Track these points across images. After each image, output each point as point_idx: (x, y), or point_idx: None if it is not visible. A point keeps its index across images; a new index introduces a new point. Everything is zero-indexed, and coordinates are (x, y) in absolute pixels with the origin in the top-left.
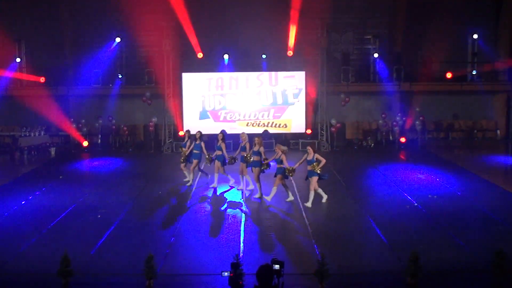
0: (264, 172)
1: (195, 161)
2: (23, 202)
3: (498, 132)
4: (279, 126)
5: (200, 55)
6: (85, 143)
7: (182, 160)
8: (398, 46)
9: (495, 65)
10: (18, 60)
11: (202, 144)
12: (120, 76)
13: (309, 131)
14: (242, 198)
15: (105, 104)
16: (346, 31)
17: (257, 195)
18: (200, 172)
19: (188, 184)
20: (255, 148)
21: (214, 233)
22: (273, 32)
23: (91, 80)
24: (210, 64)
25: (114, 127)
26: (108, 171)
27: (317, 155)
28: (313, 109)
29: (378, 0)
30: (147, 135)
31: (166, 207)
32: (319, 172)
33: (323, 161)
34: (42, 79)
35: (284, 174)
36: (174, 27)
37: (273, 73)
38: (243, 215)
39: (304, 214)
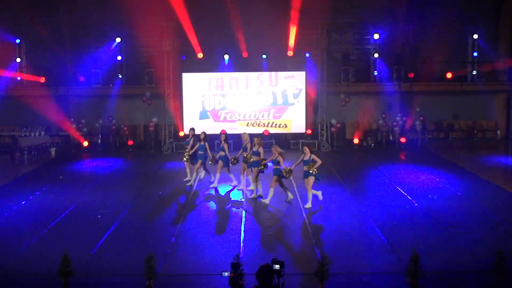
0: (263, 172)
1: (199, 162)
2: (23, 202)
3: (498, 132)
4: (279, 126)
5: (200, 55)
6: (85, 143)
7: (185, 159)
8: (398, 46)
9: (495, 65)
10: (18, 60)
11: (206, 144)
12: (120, 76)
13: (309, 131)
14: (243, 198)
15: (105, 104)
16: (346, 31)
17: (252, 195)
18: (204, 172)
19: (189, 184)
20: (255, 148)
21: (214, 233)
22: (273, 32)
23: (91, 80)
24: (210, 64)
25: (114, 127)
26: (108, 171)
27: (313, 156)
28: (313, 109)
29: (378, 0)
30: (147, 135)
31: (166, 207)
32: (314, 172)
33: (319, 162)
34: (42, 79)
35: (280, 175)
36: (174, 28)
37: (273, 73)
38: (243, 215)
39: (304, 214)
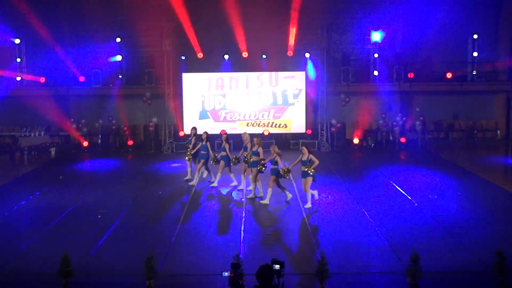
0: (262, 172)
1: (201, 162)
2: (23, 202)
3: (498, 132)
4: (279, 126)
5: (200, 55)
6: (85, 143)
7: (187, 159)
8: (398, 46)
9: (495, 65)
10: (18, 60)
11: (208, 144)
12: (120, 76)
13: (309, 131)
14: (243, 198)
15: (105, 104)
16: (346, 31)
17: (250, 195)
18: (206, 172)
19: (191, 183)
20: (254, 148)
21: (214, 233)
22: (273, 32)
23: (91, 80)
24: (210, 64)
25: (114, 127)
26: (108, 171)
27: (311, 156)
28: (313, 109)
29: (378, 0)
30: (147, 135)
31: (166, 207)
32: (311, 173)
33: (316, 162)
34: (42, 79)
35: (277, 175)
36: (174, 28)
37: (273, 73)
38: (243, 215)
39: (304, 214)
